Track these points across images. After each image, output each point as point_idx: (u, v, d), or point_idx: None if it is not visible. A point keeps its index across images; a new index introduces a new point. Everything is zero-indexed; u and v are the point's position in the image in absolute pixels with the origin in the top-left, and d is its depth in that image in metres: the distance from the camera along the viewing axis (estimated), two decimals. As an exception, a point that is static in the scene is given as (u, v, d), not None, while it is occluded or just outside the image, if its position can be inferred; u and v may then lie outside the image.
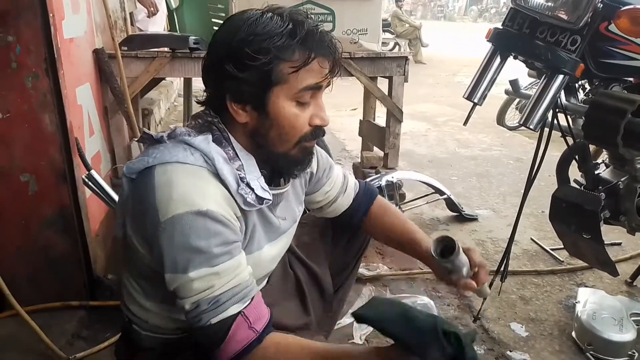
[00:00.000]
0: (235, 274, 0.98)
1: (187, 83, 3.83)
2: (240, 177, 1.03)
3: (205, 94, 1.10)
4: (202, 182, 0.99)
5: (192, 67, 2.54)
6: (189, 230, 0.94)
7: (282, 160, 1.09)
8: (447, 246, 1.13)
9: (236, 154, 1.05)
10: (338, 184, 1.37)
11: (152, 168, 0.99)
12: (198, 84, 5.83)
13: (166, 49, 2.53)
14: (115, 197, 1.85)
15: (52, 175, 1.80)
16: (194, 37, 2.50)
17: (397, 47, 11.28)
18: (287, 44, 0.98)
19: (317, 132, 1.08)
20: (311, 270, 1.46)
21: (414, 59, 10.56)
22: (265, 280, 1.32)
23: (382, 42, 6.44)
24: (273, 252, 1.20)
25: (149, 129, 3.48)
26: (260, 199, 1.06)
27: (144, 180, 0.99)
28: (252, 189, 1.04)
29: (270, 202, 1.10)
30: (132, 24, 3.34)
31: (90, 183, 1.87)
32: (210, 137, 1.04)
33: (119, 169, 2.55)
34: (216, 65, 1.03)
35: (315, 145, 1.21)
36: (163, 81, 4.15)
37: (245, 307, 0.98)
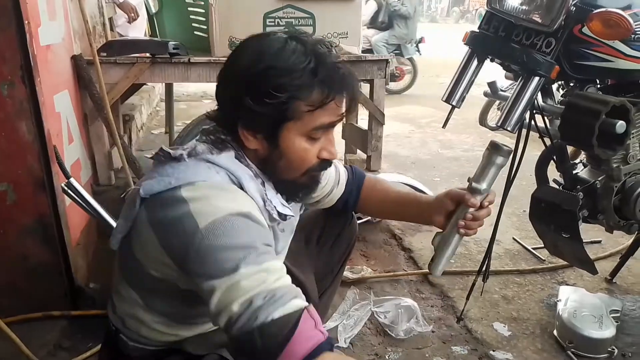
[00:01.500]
0: (282, 274, 0.93)
1: (168, 88, 3.81)
2: (265, 194, 1.04)
3: (217, 108, 1.08)
4: (236, 195, 0.98)
5: (173, 72, 2.54)
6: (232, 229, 0.91)
7: (289, 185, 1.09)
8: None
9: (256, 171, 1.05)
10: (332, 179, 1.37)
11: (177, 189, 0.95)
12: (179, 88, 5.82)
13: (146, 55, 2.52)
14: (96, 206, 1.83)
15: (31, 184, 1.78)
16: (173, 43, 2.50)
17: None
18: (306, 83, 0.96)
19: (324, 164, 1.09)
20: (297, 278, 1.45)
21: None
22: None
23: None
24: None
25: (130, 134, 3.45)
26: (281, 215, 1.07)
27: (169, 198, 0.95)
28: (274, 206, 1.05)
29: (293, 217, 1.11)
30: (112, 29, 3.31)
31: (69, 191, 1.85)
32: (233, 153, 1.04)
33: (113, 179, 2.53)
34: (232, 90, 1.01)
35: None
36: (144, 86, 4.12)
37: (307, 305, 0.90)
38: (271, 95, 0.95)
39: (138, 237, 1.02)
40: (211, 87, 5.65)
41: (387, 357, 1.80)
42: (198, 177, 0.97)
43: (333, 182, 1.38)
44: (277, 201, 1.06)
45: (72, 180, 1.86)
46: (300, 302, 0.90)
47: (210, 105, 5.73)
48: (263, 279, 0.88)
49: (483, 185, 1.22)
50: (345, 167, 1.45)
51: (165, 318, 1.10)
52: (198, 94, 6.18)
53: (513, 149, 1.14)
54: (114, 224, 1.80)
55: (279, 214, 1.06)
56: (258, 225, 0.96)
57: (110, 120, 2.35)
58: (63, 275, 1.92)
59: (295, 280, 1.41)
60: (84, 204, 1.85)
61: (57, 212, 1.86)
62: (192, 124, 2.59)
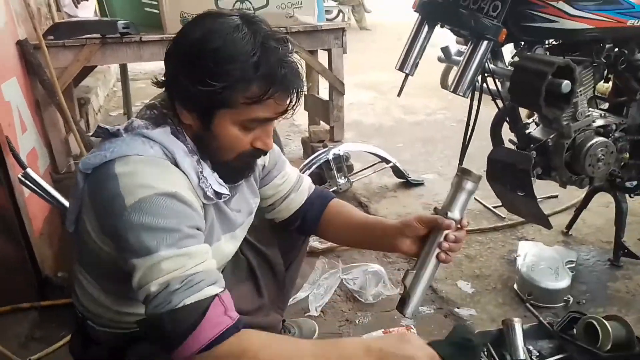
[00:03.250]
0: (204, 259, 0.95)
1: (123, 68, 3.71)
2: (199, 171, 1.04)
3: (163, 77, 1.06)
4: (166, 171, 0.98)
5: (125, 53, 2.47)
6: (157, 209, 0.92)
7: (222, 167, 1.09)
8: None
9: (192, 147, 1.05)
10: (291, 180, 1.36)
11: (111, 162, 0.96)
12: (136, 67, 5.65)
13: (96, 36, 2.44)
14: (56, 194, 1.81)
15: (-16, 177, 1.74)
16: (123, 22, 2.42)
17: (341, 14, 11.20)
18: (246, 76, 0.95)
19: (257, 152, 1.09)
20: (261, 253, 1.47)
21: (358, 25, 10.51)
22: (221, 270, 1.33)
23: (325, 10, 6.37)
24: (230, 244, 1.22)
25: (87, 118, 3.37)
26: (217, 194, 1.07)
27: (103, 174, 0.96)
28: (210, 184, 1.05)
29: (230, 195, 1.11)
30: (58, 10, 3.18)
31: (27, 182, 1.81)
32: (168, 129, 1.03)
33: (73, 165, 2.48)
34: (173, 65, 1.00)
35: None
36: (99, 67, 4.00)
37: (221, 292, 0.93)
38: (208, 80, 0.94)
39: (85, 215, 1.03)
40: (169, 64, 5.51)
41: (357, 321, 1.86)
42: (132, 150, 0.97)
43: (292, 185, 1.36)
44: (214, 179, 1.06)
45: (29, 170, 1.82)
46: (213, 289, 0.93)
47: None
48: (183, 263, 0.91)
49: (455, 214, 1.12)
50: (311, 185, 1.41)
51: (125, 299, 1.11)
52: (156, 72, 6.02)
53: (483, 175, 1.04)
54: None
55: (215, 192, 1.06)
56: (184, 206, 0.96)
57: (63, 106, 2.28)
58: (29, 267, 1.90)
59: (260, 255, 1.45)
60: (43, 194, 1.82)
61: (16, 204, 1.83)
62: (150, 105, 2.54)
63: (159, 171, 0.97)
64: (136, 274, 0.92)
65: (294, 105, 1.02)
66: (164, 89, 1.07)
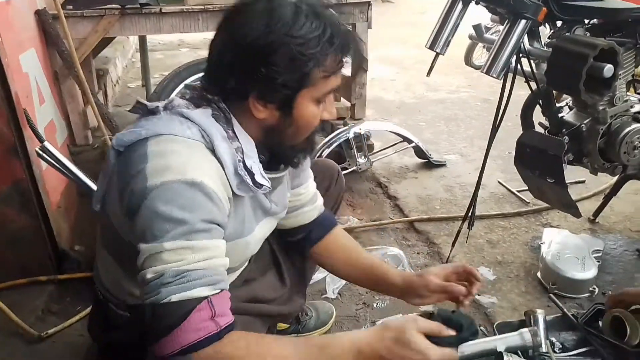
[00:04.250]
0: (211, 255, 0.91)
1: (142, 39, 3.66)
2: (238, 159, 1.00)
3: (207, 72, 1.03)
4: (198, 155, 0.95)
5: (145, 24, 2.42)
6: (175, 198, 0.89)
7: (289, 150, 1.08)
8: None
9: (235, 134, 1.01)
10: (309, 193, 1.33)
11: (145, 140, 0.94)
12: (155, 37, 5.59)
13: (115, 6, 2.38)
14: (73, 168, 1.79)
15: (2, 150, 1.72)
16: (143, -8, 2.36)
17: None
18: (325, 50, 0.96)
19: (324, 124, 1.11)
20: (283, 238, 1.44)
21: (380, -2, 10.29)
22: (248, 261, 1.29)
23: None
24: (261, 232, 1.18)
25: (105, 90, 3.34)
26: (258, 185, 1.03)
27: (136, 151, 0.94)
28: (252, 174, 1.01)
29: (269, 189, 1.07)
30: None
31: (45, 155, 1.80)
32: (210, 111, 1.00)
33: (91, 138, 2.46)
34: (243, 61, 0.96)
35: None
36: (118, 37, 3.95)
37: (213, 295, 0.88)
38: (294, 65, 0.94)
39: (111, 195, 1.01)
40: (188, 35, 5.45)
41: (374, 305, 1.83)
42: (168, 129, 0.95)
43: (309, 198, 1.33)
44: (257, 169, 1.02)
45: (46, 143, 1.80)
46: (205, 290, 0.87)
47: (188, 54, 5.52)
48: (184, 257, 0.87)
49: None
50: (322, 205, 1.38)
51: None
52: (175, 43, 5.95)
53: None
54: (92, 185, 1.77)
55: (254, 181, 1.01)
56: (206, 199, 0.92)
57: (81, 78, 2.24)
58: (46, 240, 1.90)
59: (283, 240, 1.41)
60: (60, 167, 1.81)
61: (33, 177, 1.81)
62: (169, 77, 2.49)
63: (191, 155, 0.93)
64: (139, 257, 0.90)
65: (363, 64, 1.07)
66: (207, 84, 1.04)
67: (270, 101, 0.98)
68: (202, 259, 0.89)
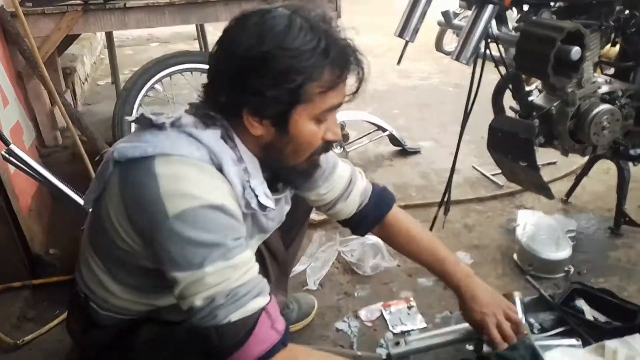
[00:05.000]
0: (249, 266, 0.94)
1: (108, 35, 3.56)
2: (245, 180, 0.99)
3: (206, 88, 1.02)
4: (212, 179, 0.94)
5: (109, 20, 2.35)
6: (203, 223, 0.89)
7: (290, 171, 1.06)
8: None
9: (241, 156, 1.00)
10: (338, 189, 1.31)
11: (152, 158, 0.91)
12: (123, 32, 5.46)
13: (77, 2, 2.32)
14: (42, 170, 1.75)
15: (-34, 155, 1.67)
16: (106, -13, 2.30)
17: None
18: (319, 64, 0.92)
19: (328, 146, 1.06)
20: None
21: (349, -14, 10.23)
22: None
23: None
24: (254, 249, 1.19)
25: (73, 88, 3.25)
26: (262, 206, 1.03)
27: (141, 168, 0.92)
28: (256, 195, 1.01)
29: (274, 208, 1.07)
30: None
31: (11, 158, 1.75)
32: (219, 132, 0.98)
33: (60, 139, 2.39)
34: (235, 72, 0.94)
35: None
36: (84, 33, 3.85)
37: (267, 303, 0.93)
38: (285, 77, 0.91)
39: (109, 202, 0.99)
40: (157, 30, 5.33)
41: (355, 294, 1.84)
42: (176, 150, 0.92)
43: (337, 195, 1.31)
44: (261, 191, 1.02)
45: (13, 146, 1.75)
46: (259, 301, 0.92)
47: (158, 48, 5.41)
48: (228, 276, 0.89)
49: None
50: (374, 185, 1.39)
51: (133, 289, 1.08)
52: (143, 37, 5.82)
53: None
54: (63, 187, 1.73)
55: (259, 204, 1.01)
56: (230, 219, 0.93)
57: (45, 77, 2.18)
58: (18, 245, 1.86)
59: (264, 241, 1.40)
60: (29, 170, 1.76)
61: (0, 182, 1.76)
62: (138, 74, 2.44)
63: (204, 179, 0.92)
64: (178, 286, 0.91)
65: (362, 86, 1.01)
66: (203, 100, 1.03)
67: (265, 117, 0.96)
68: (245, 272, 0.92)
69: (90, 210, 1.07)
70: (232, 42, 0.95)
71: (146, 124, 0.99)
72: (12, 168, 1.81)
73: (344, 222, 1.39)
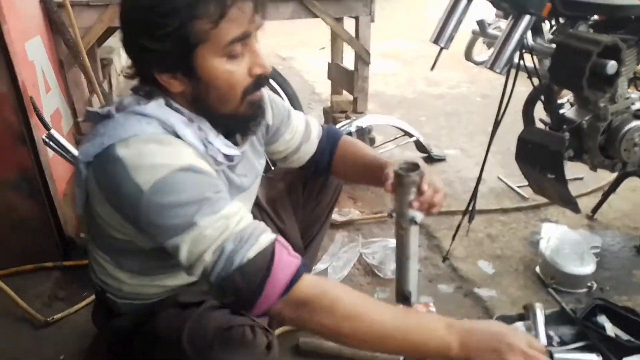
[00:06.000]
0: (242, 215, 0.93)
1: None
2: (204, 138, 1.00)
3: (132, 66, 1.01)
4: (172, 146, 0.94)
5: (150, 14, 2.41)
6: (178, 186, 0.89)
7: (232, 120, 1.03)
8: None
9: (189, 116, 1.00)
10: (300, 132, 1.34)
11: (112, 147, 0.92)
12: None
13: (120, -5, 2.39)
14: (79, 156, 1.80)
15: (9, 137, 1.74)
16: (148, -18, 2.36)
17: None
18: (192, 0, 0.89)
19: (261, 81, 1.02)
20: (277, 227, 1.45)
21: (382, -8, 10.25)
22: None
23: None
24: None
25: (109, 79, 3.34)
26: (228, 157, 1.03)
27: (107, 159, 0.92)
28: (218, 149, 1.02)
29: (240, 157, 1.07)
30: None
31: (51, 143, 1.81)
32: (162, 101, 0.98)
33: (81, 125, 2.47)
34: (130, 38, 0.95)
35: (269, 93, 1.18)
36: (121, 27, 3.93)
37: (276, 237, 0.92)
38: (164, 25, 0.88)
39: (93, 200, 1.01)
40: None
41: (375, 296, 1.86)
42: (129, 131, 0.92)
43: (301, 137, 1.34)
44: (220, 143, 1.02)
45: (53, 131, 1.82)
46: (268, 235, 0.92)
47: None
48: (225, 225, 0.89)
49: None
50: (322, 125, 1.41)
51: (140, 274, 1.11)
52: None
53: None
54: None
55: (225, 155, 1.02)
56: (203, 175, 0.93)
57: (87, 67, 2.25)
58: (52, 228, 1.92)
59: (276, 229, 1.43)
60: (66, 155, 1.83)
61: (40, 165, 1.83)
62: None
63: (164, 148, 0.92)
64: (181, 251, 0.90)
65: (260, 7, 0.94)
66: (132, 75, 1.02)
67: (171, 70, 0.95)
68: (239, 220, 0.91)
69: (83, 213, 1.07)
70: (122, 11, 0.95)
71: (96, 118, 0.99)
72: (50, 153, 1.87)
73: (306, 164, 1.39)
